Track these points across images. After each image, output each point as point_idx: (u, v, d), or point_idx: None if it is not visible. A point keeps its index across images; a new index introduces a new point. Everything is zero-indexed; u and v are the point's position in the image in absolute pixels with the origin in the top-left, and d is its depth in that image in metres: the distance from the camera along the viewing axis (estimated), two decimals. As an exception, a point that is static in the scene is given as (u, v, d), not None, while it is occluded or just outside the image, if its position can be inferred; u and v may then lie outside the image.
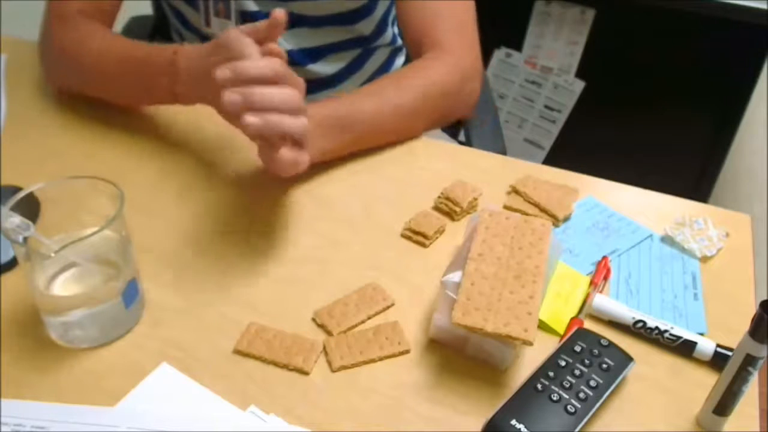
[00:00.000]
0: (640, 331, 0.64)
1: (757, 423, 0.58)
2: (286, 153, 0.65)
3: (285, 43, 0.99)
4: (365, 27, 1.01)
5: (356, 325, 0.64)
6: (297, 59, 1.01)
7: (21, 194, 0.59)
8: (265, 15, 0.95)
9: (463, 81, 0.90)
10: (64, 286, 0.60)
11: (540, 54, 1.77)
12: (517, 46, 1.78)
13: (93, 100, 0.88)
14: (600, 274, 0.70)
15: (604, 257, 0.72)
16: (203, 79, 0.68)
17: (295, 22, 0.97)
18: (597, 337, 0.61)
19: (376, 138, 0.85)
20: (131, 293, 0.62)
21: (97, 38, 0.85)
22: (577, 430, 0.54)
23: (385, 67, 1.12)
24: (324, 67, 1.03)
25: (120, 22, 0.97)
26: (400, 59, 1.13)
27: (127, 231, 0.61)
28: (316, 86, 1.05)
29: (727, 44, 1.60)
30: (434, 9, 0.89)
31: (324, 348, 0.62)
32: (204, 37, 1.01)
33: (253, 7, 0.95)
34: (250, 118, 0.61)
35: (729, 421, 0.57)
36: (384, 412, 0.58)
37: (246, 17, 0.96)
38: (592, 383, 0.57)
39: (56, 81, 0.92)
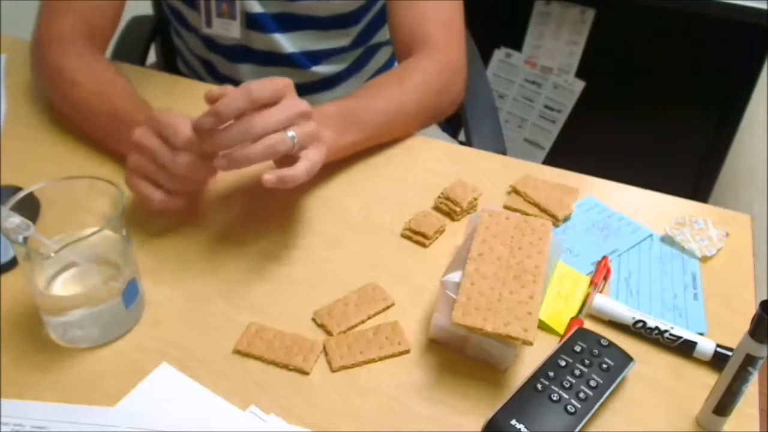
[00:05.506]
0: (640, 331, 0.64)
1: (757, 423, 0.58)
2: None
3: (288, 46, 0.99)
4: (365, 24, 1.01)
5: (356, 325, 0.64)
6: (300, 62, 1.01)
7: (21, 194, 0.59)
8: (269, 16, 0.96)
9: (452, 79, 0.91)
10: (64, 286, 0.60)
11: (540, 54, 1.77)
12: (517, 46, 1.78)
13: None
14: (600, 274, 0.70)
15: (604, 257, 0.72)
16: None
17: (299, 24, 0.97)
18: (597, 337, 0.61)
19: (383, 136, 0.85)
20: (131, 293, 0.62)
21: (95, 74, 0.82)
22: (577, 430, 0.54)
23: (385, 67, 1.12)
24: (326, 68, 1.03)
25: (120, 22, 0.97)
26: None
27: (127, 231, 0.60)
28: (317, 87, 1.05)
29: (727, 44, 1.60)
30: (423, 8, 0.90)
31: (324, 348, 0.62)
32: (203, 38, 1.01)
33: (257, 8, 0.95)
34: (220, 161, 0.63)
35: (729, 421, 0.57)
36: (384, 412, 0.58)
37: (250, 18, 0.96)
38: (592, 383, 0.57)
39: (43, 92, 0.90)
